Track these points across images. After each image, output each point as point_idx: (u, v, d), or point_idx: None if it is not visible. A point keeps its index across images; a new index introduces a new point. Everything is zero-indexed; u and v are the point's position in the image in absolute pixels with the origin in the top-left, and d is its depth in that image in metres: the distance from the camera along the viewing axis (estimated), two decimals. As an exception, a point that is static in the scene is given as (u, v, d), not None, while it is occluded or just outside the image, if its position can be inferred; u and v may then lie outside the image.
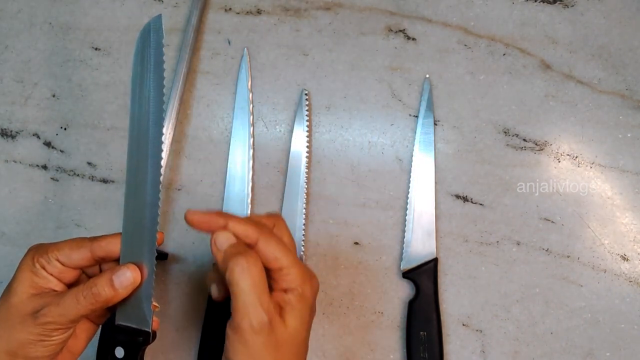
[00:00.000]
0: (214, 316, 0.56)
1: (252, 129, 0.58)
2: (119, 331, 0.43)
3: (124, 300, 0.42)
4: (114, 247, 0.43)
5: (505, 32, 0.56)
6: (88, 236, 0.44)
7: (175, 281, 0.58)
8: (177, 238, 0.58)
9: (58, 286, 0.43)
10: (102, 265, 0.45)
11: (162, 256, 0.56)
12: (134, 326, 0.42)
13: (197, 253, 0.58)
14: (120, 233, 0.43)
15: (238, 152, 0.58)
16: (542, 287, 0.54)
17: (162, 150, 0.42)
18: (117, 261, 0.43)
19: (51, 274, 0.42)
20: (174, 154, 0.59)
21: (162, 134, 0.42)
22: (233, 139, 0.58)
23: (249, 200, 0.57)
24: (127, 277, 0.41)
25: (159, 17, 0.42)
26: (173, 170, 0.59)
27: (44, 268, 0.42)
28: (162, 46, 0.42)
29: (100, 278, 0.41)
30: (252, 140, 0.58)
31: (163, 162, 0.55)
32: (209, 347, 0.56)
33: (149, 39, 0.42)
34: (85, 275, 0.45)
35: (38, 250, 0.43)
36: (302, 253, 0.56)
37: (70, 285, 0.44)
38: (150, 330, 0.42)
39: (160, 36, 0.42)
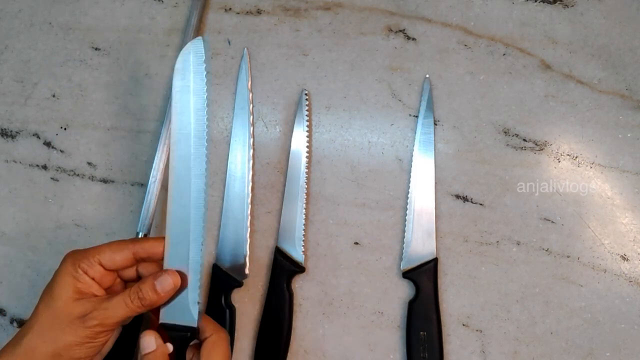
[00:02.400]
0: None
1: (252, 129, 0.58)
2: (165, 329, 0.45)
3: (169, 301, 0.44)
4: (157, 249, 0.45)
5: (505, 32, 0.56)
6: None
7: (175, 281, 0.58)
8: (177, 238, 0.58)
9: (99, 291, 0.45)
10: (139, 267, 0.47)
11: None
12: (181, 324, 0.45)
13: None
14: (163, 237, 0.45)
15: (238, 152, 0.58)
16: (542, 287, 0.54)
17: (205, 167, 0.45)
18: (157, 262, 0.46)
19: (93, 278, 0.44)
20: (174, 154, 0.59)
21: (205, 151, 0.45)
22: (233, 139, 0.58)
23: (249, 200, 0.57)
24: (168, 283, 0.44)
25: (200, 40, 0.44)
26: (173, 170, 0.59)
27: (86, 273, 0.44)
28: (203, 65, 0.44)
29: (145, 283, 0.44)
30: (252, 140, 0.58)
31: (162, 162, 0.55)
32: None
33: (189, 62, 0.44)
34: (120, 279, 0.47)
35: (78, 256, 0.45)
36: (302, 253, 0.56)
37: (107, 290, 0.46)
38: (197, 326, 0.44)
39: (200, 58, 0.44)
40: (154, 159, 0.55)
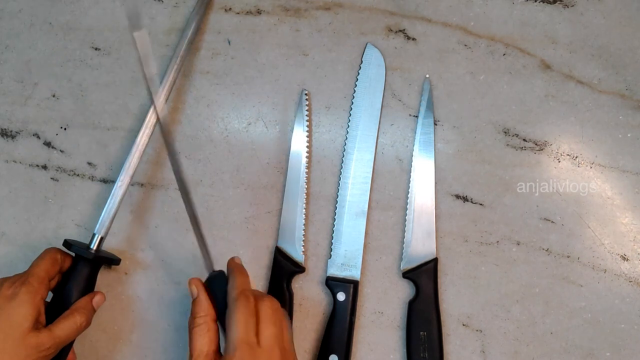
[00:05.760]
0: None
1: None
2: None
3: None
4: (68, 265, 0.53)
5: (505, 32, 0.56)
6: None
7: (175, 281, 0.58)
8: (177, 238, 0.58)
9: (43, 315, 0.49)
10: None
11: (113, 262, 0.56)
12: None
13: (197, 253, 0.58)
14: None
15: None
16: (542, 287, 0.54)
17: None
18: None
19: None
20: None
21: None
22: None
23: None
24: (100, 299, 0.52)
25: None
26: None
27: (43, 299, 0.49)
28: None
29: (86, 305, 0.51)
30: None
31: (133, 166, 0.54)
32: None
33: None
34: None
35: (34, 284, 0.48)
36: (302, 253, 0.56)
37: None
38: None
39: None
40: (124, 162, 0.54)
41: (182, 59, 0.57)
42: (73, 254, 0.53)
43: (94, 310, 0.52)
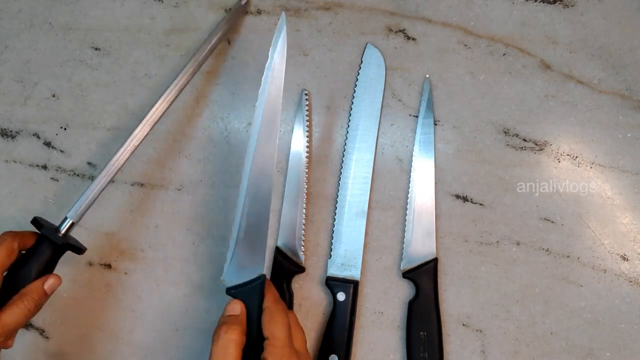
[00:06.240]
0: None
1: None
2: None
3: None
4: (30, 242, 0.50)
5: (505, 32, 0.56)
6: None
7: (176, 281, 0.58)
8: (177, 238, 0.58)
9: None
10: None
11: (76, 250, 0.52)
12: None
13: (198, 253, 0.58)
14: (35, 232, 0.50)
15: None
16: (542, 287, 0.54)
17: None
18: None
19: None
20: (171, 154, 0.58)
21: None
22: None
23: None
24: (54, 283, 0.49)
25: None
26: (173, 170, 0.59)
27: None
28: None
29: (35, 289, 0.48)
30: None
31: (124, 158, 0.52)
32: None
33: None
34: None
35: None
36: (302, 253, 0.56)
37: None
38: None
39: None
40: (116, 152, 0.52)
41: (201, 63, 0.55)
42: (39, 232, 0.50)
43: (46, 295, 0.48)
